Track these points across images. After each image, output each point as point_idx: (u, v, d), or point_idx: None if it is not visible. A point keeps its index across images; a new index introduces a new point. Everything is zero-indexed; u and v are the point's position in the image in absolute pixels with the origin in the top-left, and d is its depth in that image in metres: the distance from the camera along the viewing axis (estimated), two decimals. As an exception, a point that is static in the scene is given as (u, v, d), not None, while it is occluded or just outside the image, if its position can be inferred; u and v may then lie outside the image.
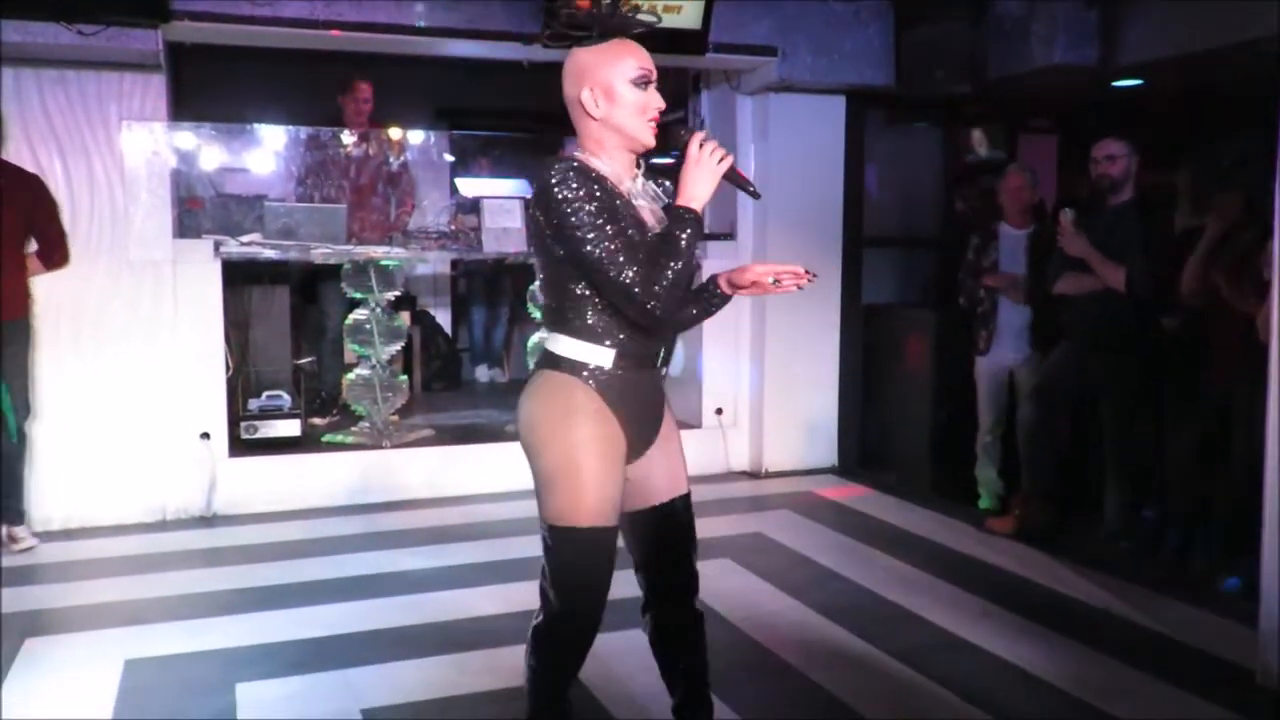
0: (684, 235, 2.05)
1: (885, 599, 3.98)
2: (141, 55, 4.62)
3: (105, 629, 3.66)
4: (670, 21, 4.98)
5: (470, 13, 4.89)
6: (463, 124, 7.82)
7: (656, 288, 2.03)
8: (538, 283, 2.23)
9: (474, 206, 5.81)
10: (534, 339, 5.52)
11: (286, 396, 5.53)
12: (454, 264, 7.76)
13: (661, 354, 2.29)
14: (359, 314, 5.60)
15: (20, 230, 4.48)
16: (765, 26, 5.42)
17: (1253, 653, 3.26)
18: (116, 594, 4.01)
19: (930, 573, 4.26)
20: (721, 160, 2.09)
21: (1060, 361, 4.64)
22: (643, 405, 2.24)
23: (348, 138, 5.91)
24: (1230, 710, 3.05)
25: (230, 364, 5.26)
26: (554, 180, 2.04)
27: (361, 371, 5.64)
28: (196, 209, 5.58)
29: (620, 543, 2.26)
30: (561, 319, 2.17)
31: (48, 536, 4.72)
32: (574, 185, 2.03)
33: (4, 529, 4.49)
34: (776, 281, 2.23)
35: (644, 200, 2.19)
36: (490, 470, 5.30)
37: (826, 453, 6.04)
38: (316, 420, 5.93)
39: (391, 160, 6.05)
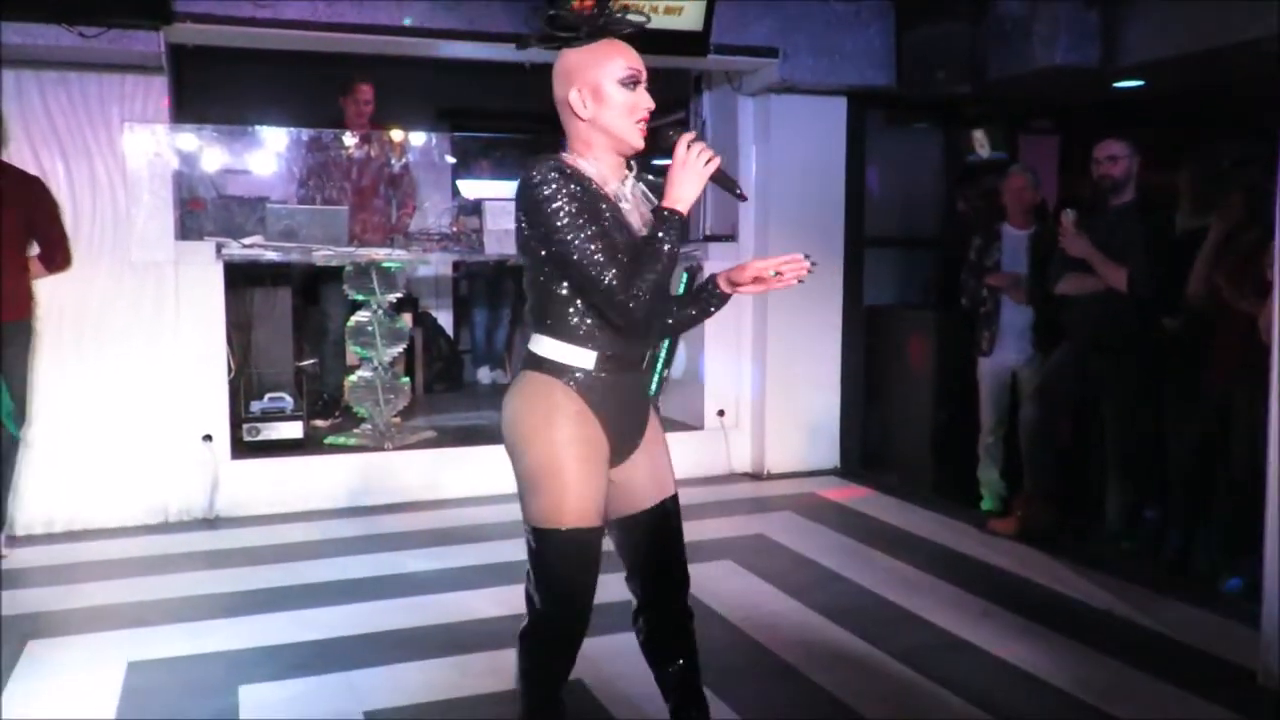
0: (667, 238, 2.05)
1: (887, 600, 3.98)
2: (143, 57, 4.62)
3: (107, 631, 3.66)
4: (671, 23, 4.99)
5: (471, 14, 4.89)
6: (464, 125, 7.82)
7: (635, 290, 2.03)
8: (524, 283, 2.22)
9: (476, 208, 5.82)
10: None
11: (288, 398, 5.54)
12: (456, 266, 7.77)
13: (647, 356, 2.28)
14: (361, 316, 5.61)
15: (22, 232, 4.48)
16: (766, 27, 5.43)
17: (1254, 653, 3.25)
18: (119, 596, 4.02)
19: (932, 574, 4.26)
20: (709, 162, 2.09)
21: (1061, 362, 4.64)
22: (626, 408, 2.23)
23: (349, 139, 5.92)
24: (1231, 711, 3.05)
25: (232, 366, 5.26)
26: (536, 180, 2.04)
27: (363, 373, 5.64)
28: (198, 211, 5.59)
29: (610, 546, 2.26)
30: (545, 320, 2.16)
31: (50, 539, 4.73)
32: (555, 185, 2.03)
33: None
34: (778, 274, 2.22)
35: (631, 202, 2.19)
36: (492, 472, 5.23)
37: (828, 454, 6.04)
38: (318, 422, 5.93)
39: (393, 162, 6.05)
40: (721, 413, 6.00)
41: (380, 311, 5.59)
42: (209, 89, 6.28)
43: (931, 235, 6.60)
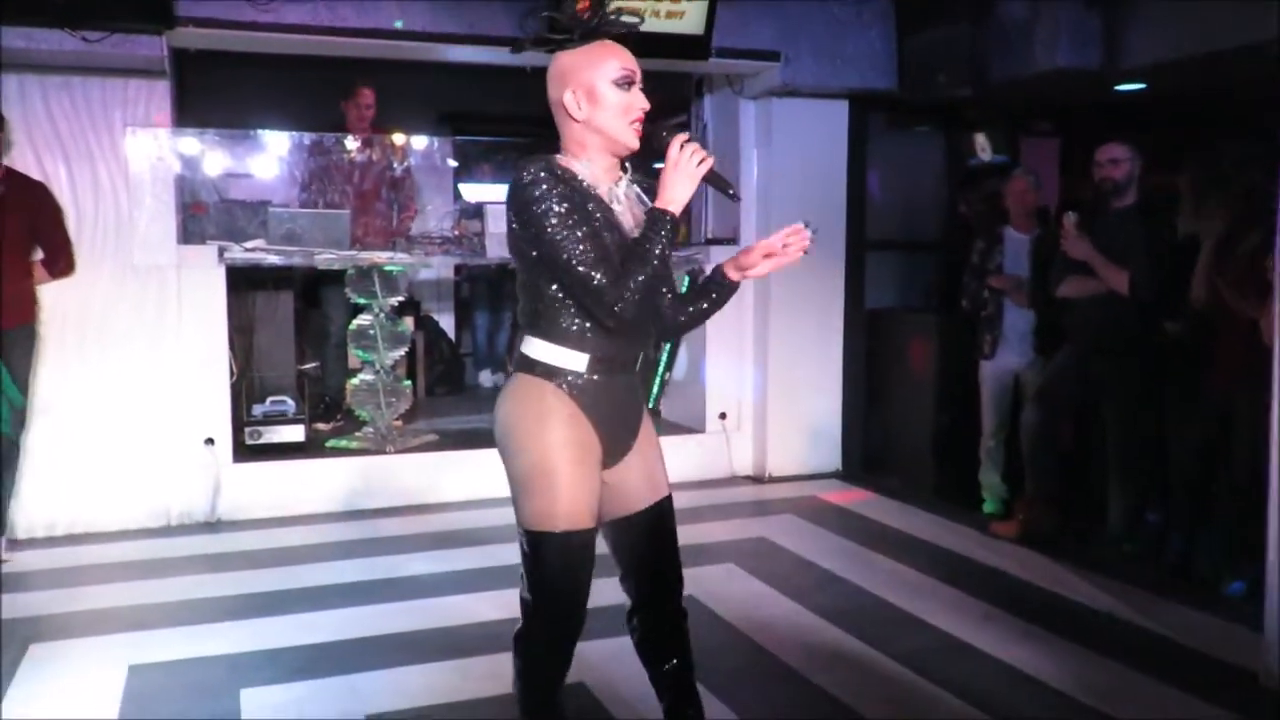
0: (658, 238, 2.06)
1: (888, 603, 3.97)
2: (146, 61, 4.64)
3: (109, 634, 3.67)
4: (673, 26, 4.99)
5: (472, 18, 4.90)
6: (466, 129, 7.84)
7: (625, 290, 2.03)
8: (516, 285, 2.22)
9: (477, 211, 5.83)
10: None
11: (290, 402, 5.54)
12: (457, 269, 7.78)
13: (640, 359, 2.27)
14: (363, 319, 5.61)
15: (26, 238, 4.49)
16: (768, 31, 5.43)
17: (1256, 656, 3.25)
18: (120, 599, 4.02)
19: (933, 577, 4.26)
20: (701, 162, 2.09)
21: (1063, 365, 4.64)
22: (618, 410, 2.23)
23: (351, 143, 5.93)
24: (1234, 713, 3.04)
25: (234, 369, 5.26)
26: (526, 180, 2.04)
27: (365, 376, 5.64)
28: (201, 214, 5.60)
29: (604, 548, 2.26)
30: (537, 322, 2.16)
31: (51, 542, 4.73)
32: (545, 186, 2.03)
33: None
34: (785, 247, 2.22)
35: (624, 204, 2.19)
36: (494, 475, 5.18)
37: (830, 457, 6.04)
38: (320, 425, 5.94)
39: (395, 166, 6.06)
40: (723, 416, 6.00)
41: (382, 315, 5.59)
42: (211, 93, 6.29)
43: (933, 238, 6.60)
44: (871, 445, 6.15)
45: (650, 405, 6.18)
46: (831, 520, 5.14)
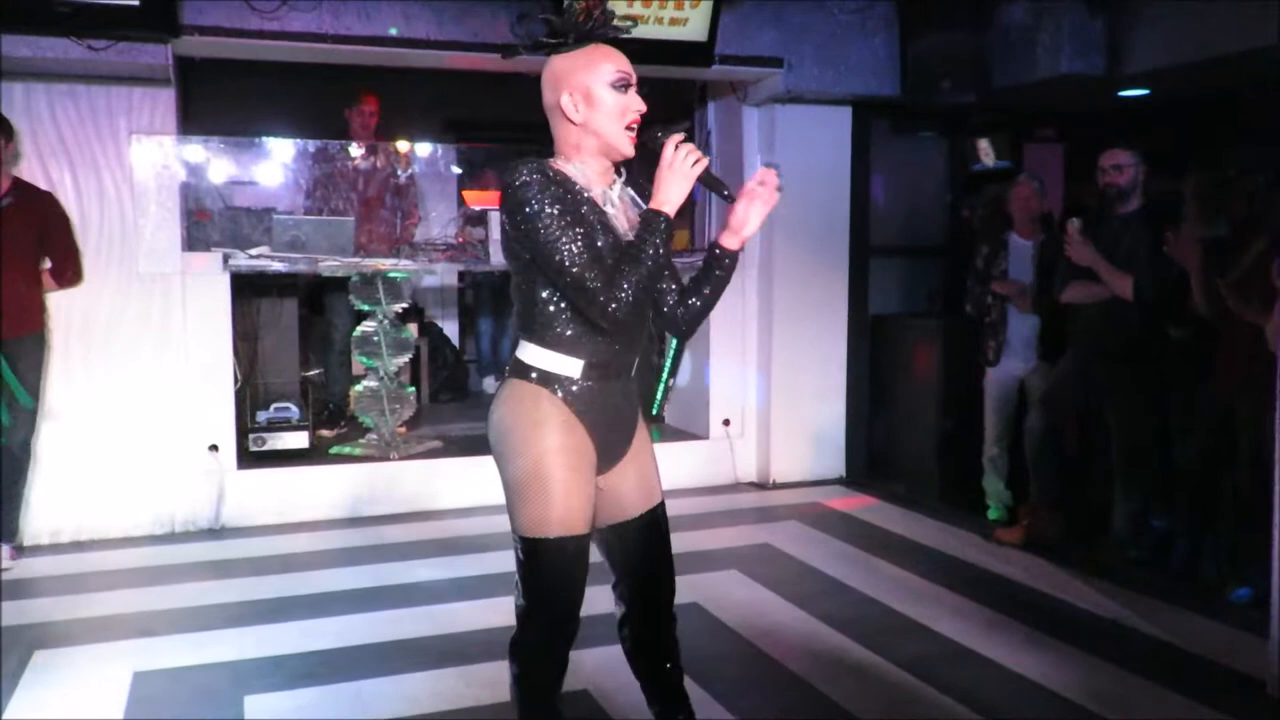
0: (653, 239, 2.05)
1: (893, 609, 3.97)
2: (151, 69, 4.65)
3: (114, 641, 3.67)
4: (676, 34, 5.00)
5: (476, 26, 4.91)
6: (471, 136, 7.85)
7: (619, 291, 2.03)
8: (510, 289, 2.21)
9: (481, 218, 5.83)
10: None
11: (294, 408, 5.55)
12: (461, 276, 7.79)
13: (635, 364, 2.27)
14: (367, 326, 5.62)
15: (34, 247, 4.52)
16: (771, 38, 5.44)
17: (1264, 663, 3.24)
18: (125, 605, 4.02)
19: (938, 583, 4.25)
20: (696, 163, 2.09)
21: (1067, 370, 4.63)
22: (612, 416, 2.22)
23: (355, 150, 5.94)
24: (1241, 721, 3.04)
25: (238, 376, 5.27)
26: (519, 183, 2.04)
27: (369, 383, 5.65)
28: (205, 222, 5.61)
29: (598, 555, 2.26)
30: (531, 326, 2.16)
31: (56, 548, 4.74)
32: (537, 188, 2.03)
33: None
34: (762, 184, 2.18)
35: (618, 207, 2.19)
36: (497, 482, 5.26)
37: (834, 463, 6.04)
38: (324, 432, 5.94)
39: (399, 172, 6.08)
40: (727, 422, 5.99)
41: (386, 321, 5.60)
42: (216, 101, 6.31)
43: (936, 244, 6.60)
44: (875, 451, 6.15)
45: (654, 412, 6.19)
46: (835, 526, 5.13)
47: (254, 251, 5.26)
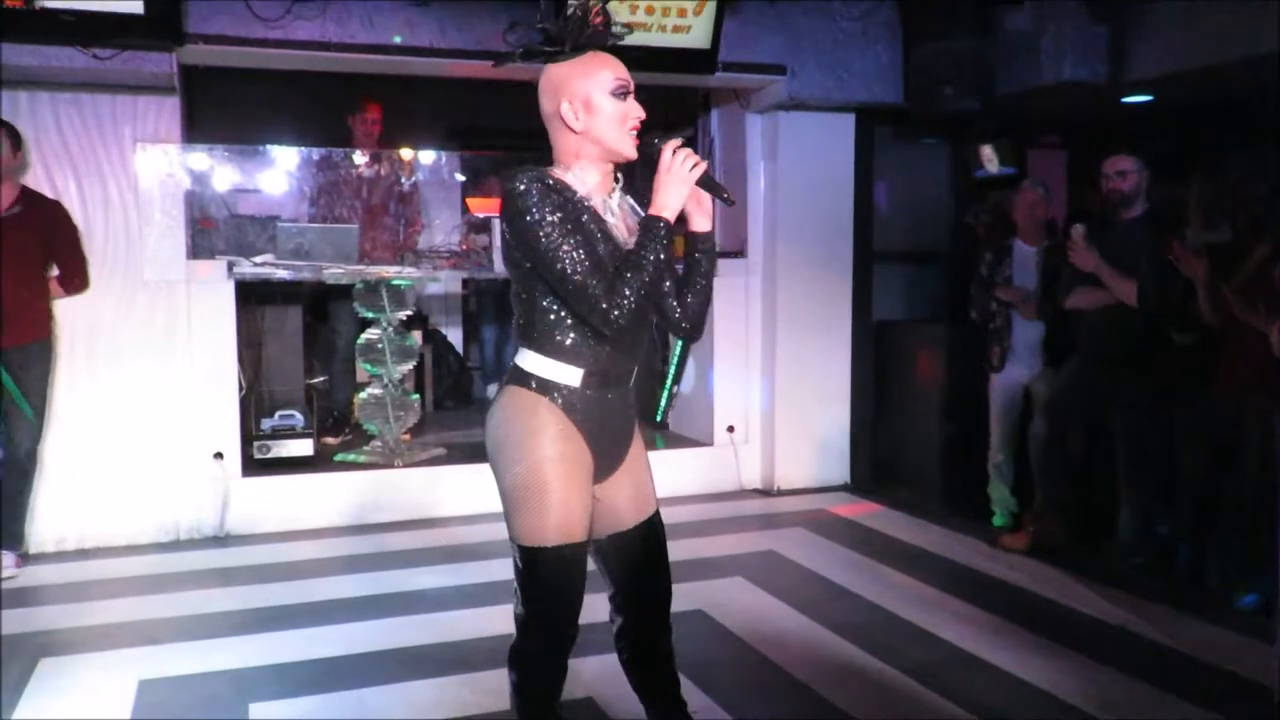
0: (653, 245, 2.05)
1: (898, 616, 3.96)
2: (156, 78, 4.66)
3: (119, 649, 3.67)
4: (679, 41, 5.01)
5: (480, 34, 4.92)
6: (475, 143, 7.86)
7: (619, 298, 2.02)
8: (510, 296, 2.21)
9: (485, 226, 5.84)
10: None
11: (299, 416, 5.55)
12: (465, 283, 7.80)
13: (634, 373, 2.26)
14: (371, 333, 5.63)
15: (42, 255, 4.54)
16: (774, 45, 5.45)
17: (1270, 669, 3.23)
18: (130, 614, 4.02)
19: (943, 589, 4.25)
20: (694, 168, 2.09)
21: (1071, 376, 4.63)
22: (609, 425, 2.22)
23: (359, 158, 5.96)
24: (1248, 728, 3.03)
25: (243, 384, 5.28)
26: (519, 190, 2.04)
27: (373, 390, 5.65)
28: (210, 229, 5.63)
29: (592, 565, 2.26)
30: (531, 334, 2.16)
31: (61, 556, 4.74)
32: (538, 196, 2.03)
33: None
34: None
35: (617, 215, 2.19)
36: (501, 488, 5.29)
37: (838, 470, 6.03)
38: (329, 439, 5.95)
39: (403, 180, 6.09)
40: (731, 429, 5.99)
41: (390, 329, 5.60)
42: (220, 109, 6.33)
43: (940, 250, 6.60)
44: (880, 458, 6.14)
45: (658, 418, 6.19)
46: (840, 533, 5.12)
47: (258, 259, 5.27)
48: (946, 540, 4.96)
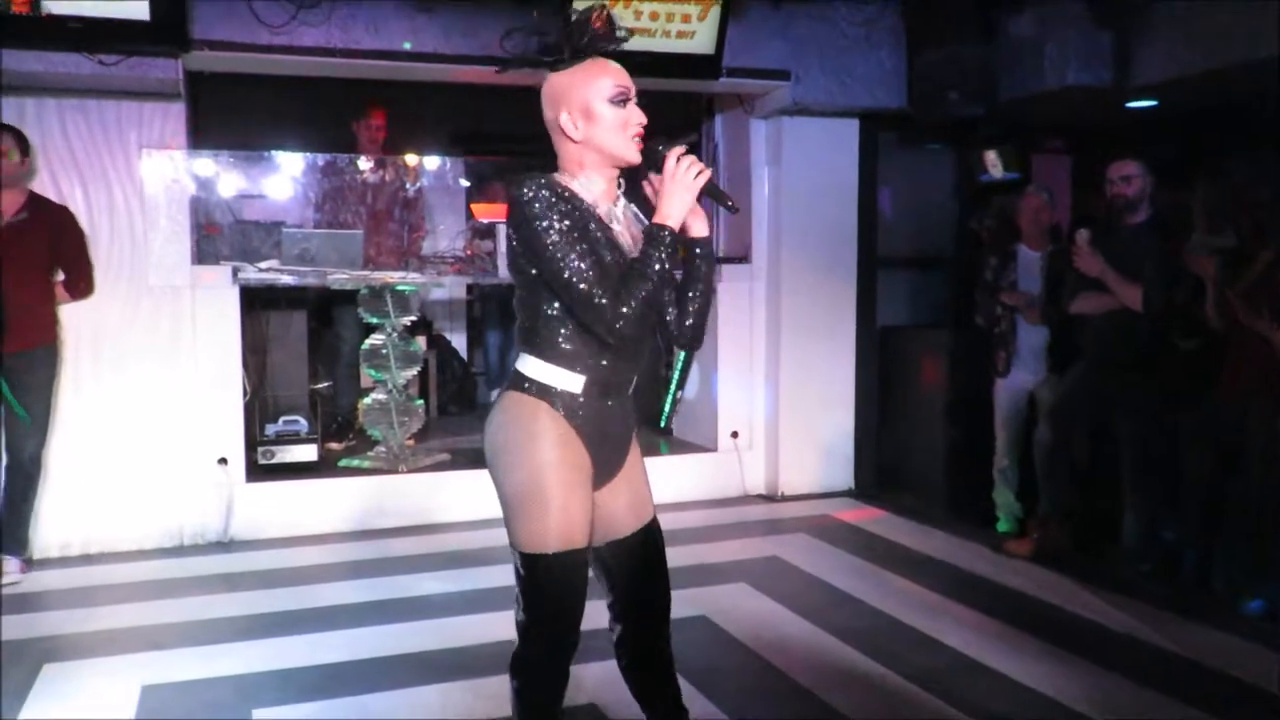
0: (657, 253, 2.05)
1: (902, 622, 3.95)
2: (161, 84, 4.68)
3: (123, 654, 3.67)
4: (683, 46, 5.02)
5: (485, 40, 4.93)
6: (479, 149, 7.87)
7: (624, 308, 2.02)
8: (514, 301, 2.21)
9: (489, 231, 5.86)
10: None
11: (303, 421, 5.56)
12: (469, 288, 7.80)
13: (635, 382, 2.26)
14: (375, 338, 5.63)
15: (49, 259, 4.56)
16: (778, 50, 5.45)
17: (1277, 676, 3.22)
18: (134, 619, 4.03)
19: (947, 595, 4.24)
20: (698, 175, 2.08)
21: (1076, 381, 4.62)
22: (609, 432, 2.22)
23: (364, 164, 5.97)
24: (1254, 735, 3.02)
25: (247, 389, 5.29)
26: (526, 197, 2.04)
27: (378, 396, 5.66)
28: (215, 235, 5.64)
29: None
30: (533, 340, 2.15)
31: (65, 561, 4.75)
32: (545, 203, 2.03)
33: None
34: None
35: (622, 223, 2.18)
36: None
37: (843, 475, 6.02)
38: (333, 445, 5.96)
39: (407, 186, 6.10)
40: (735, 434, 5.99)
41: (394, 334, 5.61)
42: (225, 115, 6.34)
43: (944, 255, 6.60)
44: (884, 463, 6.13)
45: (662, 424, 6.19)
46: (844, 539, 5.12)
47: (263, 265, 5.28)
48: (951, 546, 4.95)
